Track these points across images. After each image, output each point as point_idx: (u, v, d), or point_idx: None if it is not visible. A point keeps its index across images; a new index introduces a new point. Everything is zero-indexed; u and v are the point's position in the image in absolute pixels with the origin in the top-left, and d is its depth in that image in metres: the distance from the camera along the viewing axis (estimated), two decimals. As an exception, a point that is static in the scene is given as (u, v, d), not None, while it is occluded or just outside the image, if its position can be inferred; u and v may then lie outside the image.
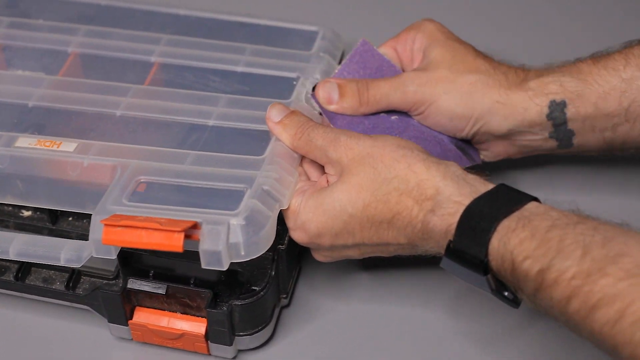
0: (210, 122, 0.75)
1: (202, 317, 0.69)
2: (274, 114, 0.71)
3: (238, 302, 0.68)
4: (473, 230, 0.61)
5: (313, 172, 0.72)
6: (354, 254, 0.70)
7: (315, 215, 0.67)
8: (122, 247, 0.67)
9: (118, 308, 0.70)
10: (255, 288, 0.70)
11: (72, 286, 0.73)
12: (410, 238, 0.66)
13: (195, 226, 0.64)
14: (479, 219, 0.61)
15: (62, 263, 0.68)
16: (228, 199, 0.67)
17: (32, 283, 0.73)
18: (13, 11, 0.87)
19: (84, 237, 0.70)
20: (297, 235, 0.69)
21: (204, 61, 0.80)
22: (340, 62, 0.81)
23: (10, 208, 0.78)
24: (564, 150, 0.75)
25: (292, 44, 0.83)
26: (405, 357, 0.72)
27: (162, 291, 0.69)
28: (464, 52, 0.74)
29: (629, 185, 0.83)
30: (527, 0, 1.02)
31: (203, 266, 0.64)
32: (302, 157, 0.72)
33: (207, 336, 0.70)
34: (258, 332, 0.71)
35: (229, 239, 0.64)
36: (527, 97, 0.73)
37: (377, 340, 0.73)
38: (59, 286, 0.73)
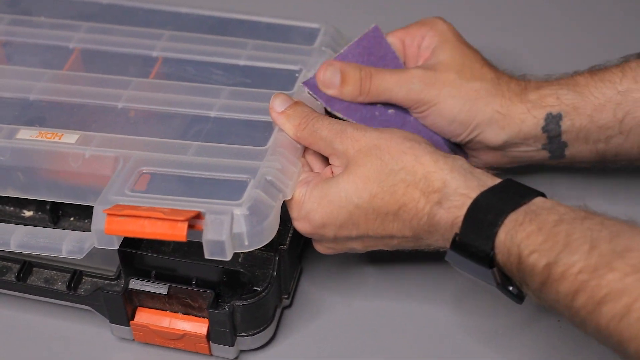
0: (213, 114, 0.74)
1: (204, 317, 0.69)
2: (278, 104, 0.71)
3: (240, 303, 0.68)
4: (480, 223, 0.61)
5: (316, 164, 0.72)
6: (358, 246, 0.70)
7: (320, 206, 0.67)
8: (124, 237, 0.66)
9: (119, 308, 0.70)
10: (257, 288, 0.70)
11: (73, 286, 0.73)
12: (416, 230, 0.66)
13: (199, 216, 0.64)
14: (486, 212, 0.61)
15: (63, 254, 0.67)
16: (231, 190, 0.67)
17: (33, 283, 0.73)
18: (14, 9, 0.87)
19: (85, 228, 0.70)
20: (301, 225, 0.69)
21: (205, 55, 0.80)
22: None
23: (11, 208, 0.78)
24: (556, 161, 0.75)
25: (294, 40, 0.83)
26: (408, 355, 0.72)
27: (163, 291, 0.69)
28: (473, 58, 0.74)
29: (621, 193, 0.82)
30: (528, 0, 1.02)
31: (206, 256, 0.64)
32: (305, 148, 0.72)
33: (209, 337, 0.70)
34: (260, 332, 0.71)
35: (232, 229, 0.64)
36: (525, 109, 0.73)
37: (379, 338, 0.73)
38: (60, 286, 0.73)
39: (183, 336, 0.70)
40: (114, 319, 0.71)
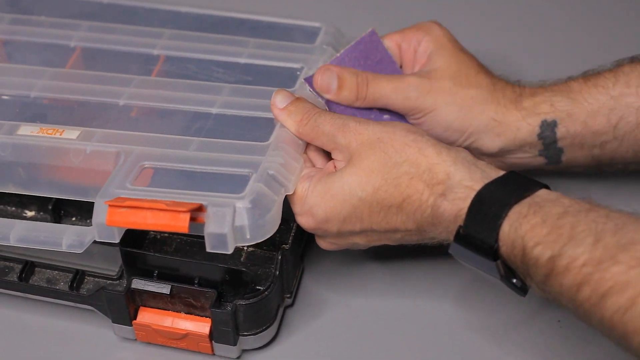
0: (214, 110, 0.74)
1: (206, 317, 0.69)
2: (279, 100, 0.71)
3: (242, 302, 0.68)
4: (484, 215, 0.61)
5: (318, 159, 0.72)
6: (361, 241, 0.70)
7: (324, 200, 0.67)
8: (126, 236, 0.66)
9: (122, 308, 0.70)
10: (259, 288, 0.70)
11: (76, 286, 0.73)
12: (419, 223, 0.66)
13: (201, 209, 0.64)
14: (490, 204, 0.61)
15: (63, 248, 0.67)
16: (233, 184, 0.67)
17: (35, 283, 0.73)
18: (15, 9, 0.86)
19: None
20: (304, 220, 0.69)
21: (207, 53, 0.80)
22: None
23: (13, 208, 0.78)
24: (552, 167, 0.76)
25: (295, 39, 0.83)
26: (411, 353, 0.72)
27: (166, 291, 0.69)
28: (469, 64, 0.75)
29: (620, 193, 0.82)
30: (525, 2, 1.02)
31: (208, 250, 0.64)
32: (307, 145, 0.72)
33: (211, 336, 0.70)
34: (262, 331, 0.71)
35: (234, 222, 0.64)
36: (520, 116, 0.73)
37: (382, 336, 0.73)
38: (62, 286, 0.73)
39: (185, 336, 0.70)
40: (117, 319, 0.71)
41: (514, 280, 0.63)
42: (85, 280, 0.73)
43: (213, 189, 0.66)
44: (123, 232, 0.66)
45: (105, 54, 0.81)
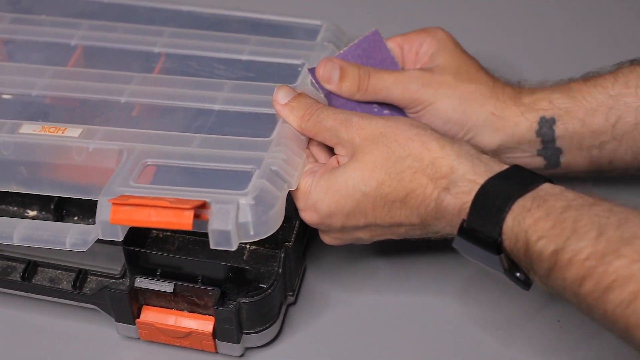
0: (216, 107, 0.74)
1: (210, 315, 0.69)
2: (281, 96, 0.71)
3: (245, 300, 0.68)
4: (488, 208, 0.61)
5: (321, 155, 0.72)
6: (365, 236, 0.70)
7: (327, 195, 0.67)
8: (130, 235, 0.66)
9: (125, 307, 0.70)
10: (262, 286, 0.70)
11: (79, 286, 0.73)
12: (423, 217, 0.66)
13: (204, 206, 0.64)
14: (494, 198, 0.62)
15: (67, 247, 0.67)
16: (236, 180, 0.67)
17: (38, 283, 0.73)
18: (15, 8, 0.86)
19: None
20: (308, 215, 0.69)
21: (208, 51, 0.80)
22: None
23: (15, 208, 0.78)
24: (551, 170, 0.75)
25: (296, 37, 0.83)
26: (413, 350, 0.72)
27: (169, 290, 0.69)
28: (469, 63, 0.75)
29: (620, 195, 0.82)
30: (525, 5, 1.02)
31: (212, 246, 0.64)
32: (309, 140, 0.72)
33: (215, 334, 0.70)
34: (265, 329, 0.71)
35: (238, 219, 0.64)
36: (519, 112, 0.73)
37: (385, 334, 0.73)
38: (65, 286, 0.73)
39: (189, 334, 0.70)
40: (120, 318, 0.71)
41: (518, 274, 0.63)
42: (88, 279, 0.73)
43: (216, 185, 0.66)
44: (127, 230, 0.66)
45: (107, 52, 0.81)
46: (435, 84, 0.73)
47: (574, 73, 0.76)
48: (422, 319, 0.74)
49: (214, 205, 0.64)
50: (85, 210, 0.77)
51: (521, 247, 0.60)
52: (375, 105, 0.75)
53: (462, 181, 0.64)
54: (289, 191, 0.68)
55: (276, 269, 0.70)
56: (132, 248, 0.70)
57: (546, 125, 0.73)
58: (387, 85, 0.73)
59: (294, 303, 0.75)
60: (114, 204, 0.63)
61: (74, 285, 0.72)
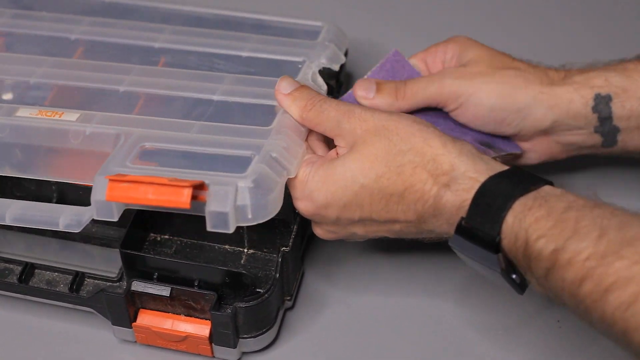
0: (215, 97, 0.74)
1: (206, 319, 0.69)
2: (284, 86, 0.71)
3: (242, 305, 0.68)
4: (488, 207, 0.61)
5: (320, 148, 0.72)
6: (359, 231, 0.69)
7: (325, 185, 0.67)
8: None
9: (122, 310, 0.70)
10: (259, 290, 0.69)
11: (75, 288, 0.72)
12: (420, 214, 0.66)
13: (203, 186, 0.63)
14: (495, 196, 0.61)
15: (60, 228, 0.66)
16: (235, 165, 0.66)
17: (35, 285, 0.73)
18: (16, 4, 0.86)
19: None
20: (303, 205, 0.68)
21: (208, 47, 0.80)
22: (345, 55, 0.81)
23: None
24: (608, 149, 0.74)
25: (297, 37, 0.82)
26: (411, 356, 0.72)
27: (166, 293, 0.69)
28: (502, 54, 0.75)
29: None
30: (525, 5, 1.02)
31: (208, 228, 0.63)
32: (309, 133, 0.71)
33: (211, 339, 0.70)
34: (262, 334, 0.70)
35: (236, 201, 0.63)
36: (572, 89, 0.72)
37: (382, 339, 0.73)
38: (62, 288, 0.73)
39: (185, 338, 0.70)
40: (116, 321, 0.71)
41: (514, 276, 0.62)
42: (85, 282, 0.73)
43: (215, 169, 0.66)
44: (122, 210, 0.65)
45: (107, 47, 0.81)
46: (469, 75, 0.73)
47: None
48: (420, 322, 0.74)
49: (212, 186, 0.63)
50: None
51: (520, 246, 0.60)
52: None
53: (463, 178, 0.63)
54: (287, 181, 0.67)
55: (273, 273, 0.70)
56: (129, 251, 0.70)
57: (602, 102, 0.72)
58: (422, 86, 0.73)
59: (292, 308, 0.75)
60: (110, 180, 0.62)
61: (71, 288, 0.72)
